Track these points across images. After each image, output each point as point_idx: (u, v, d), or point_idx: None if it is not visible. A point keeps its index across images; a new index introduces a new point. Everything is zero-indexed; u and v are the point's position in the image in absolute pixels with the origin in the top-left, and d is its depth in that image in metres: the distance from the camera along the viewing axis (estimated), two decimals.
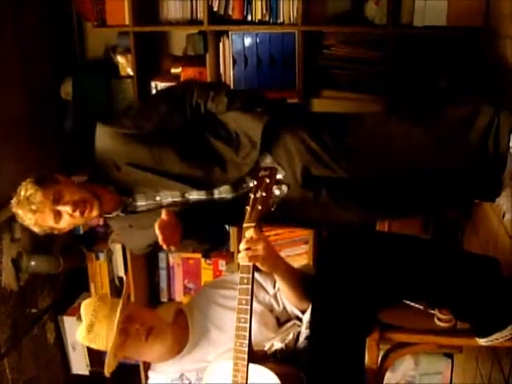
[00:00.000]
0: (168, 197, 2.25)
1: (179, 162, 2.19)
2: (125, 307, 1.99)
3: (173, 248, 2.13)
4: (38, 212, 2.07)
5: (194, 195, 2.24)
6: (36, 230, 2.16)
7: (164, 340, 2.04)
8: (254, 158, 2.17)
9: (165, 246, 2.08)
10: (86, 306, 2.01)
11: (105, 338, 1.94)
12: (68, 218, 2.12)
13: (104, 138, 2.23)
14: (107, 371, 1.98)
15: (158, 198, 2.26)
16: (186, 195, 2.25)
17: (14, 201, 2.11)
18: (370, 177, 2.19)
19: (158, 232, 2.03)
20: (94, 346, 2.00)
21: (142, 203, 2.28)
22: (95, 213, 2.17)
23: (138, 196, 2.26)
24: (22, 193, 2.07)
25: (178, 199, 2.25)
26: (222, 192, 2.23)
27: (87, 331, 1.96)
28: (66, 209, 2.09)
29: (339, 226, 2.27)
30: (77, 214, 2.11)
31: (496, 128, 2.12)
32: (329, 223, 2.30)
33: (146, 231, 2.24)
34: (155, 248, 2.37)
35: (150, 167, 2.19)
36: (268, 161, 2.20)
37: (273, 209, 1.86)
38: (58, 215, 2.10)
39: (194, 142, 2.23)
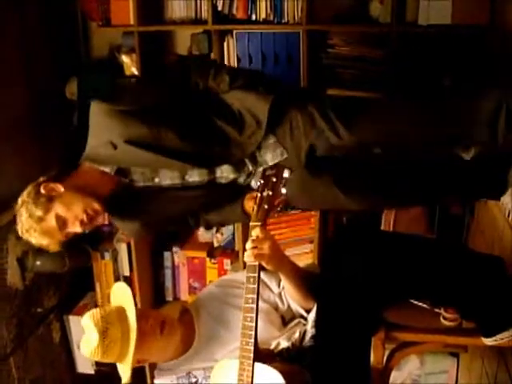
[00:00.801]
0: (167, 179, 2.16)
1: (179, 139, 2.09)
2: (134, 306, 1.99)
3: None
4: (52, 244, 2.07)
5: (195, 176, 2.16)
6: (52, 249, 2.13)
7: (175, 335, 2.06)
8: (260, 137, 2.11)
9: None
10: (90, 317, 1.95)
11: (119, 342, 1.91)
12: (80, 231, 2.08)
13: (99, 115, 2.12)
14: (127, 378, 1.97)
15: (156, 180, 2.17)
16: (186, 177, 2.16)
17: (20, 232, 2.08)
18: (373, 155, 2.17)
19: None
20: (106, 357, 1.93)
21: (140, 184, 2.18)
22: (101, 219, 2.15)
23: (135, 176, 2.16)
24: (26, 227, 2.04)
25: (177, 181, 2.17)
26: (224, 172, 2.15)
27: (101, 338, 1.90)
28: (75, 229, 2.07)
29: (339, 211, 2.25)
30: (87, 226, 2.08)
31: (507, 111, 2.03)
32: (329, 208, 2.28)
33: (145, 213, 2.21)
34: (153, 229, 2.36)
35: (148, 145, 2.07)
36: (271, 141, 2.14)
37: (279, 208, 1.85)
38: (68, 235, 2.08)
39: (195, 120, 2.14)
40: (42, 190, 2.02)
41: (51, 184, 2.04)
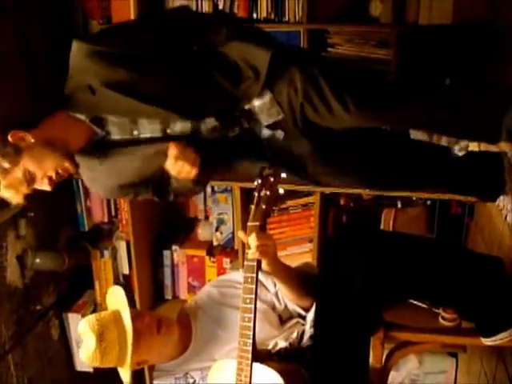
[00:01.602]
0: (147, 131, 2.02)
1: (165, 86, 1.95)
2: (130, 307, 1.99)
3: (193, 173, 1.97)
4: (17, 196, 1.93)
5: (177, 128, 2.02)
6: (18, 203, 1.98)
7: (173, 334, 2.05)
8: (257, 90, 2.00)
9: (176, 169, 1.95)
10: (86, 323, 1.94)
11: (117, 345, 1.91)
12: (48, 189, 1.95)
13: (78, 55, 1.95)
14: (128, 380, 1.97)
15: (135, 133, 2.02)
16: (168, 130, 2.03)
17: None
18: (371, 128, 2.15)
19: (170, 162, 1.93)
20: (105, 361, 1.92)
21: (116, 137, 2.04)
22: (72, 170, 1.98)
23: (112, 129, 2.02)
24: None
25: (157, 134, 2.03)
26: (209, 124, 2.03)
27: (98, 342, 1.89)
28: (43, 187, 1.93)
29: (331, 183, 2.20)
30: (55, 181, 1.95)
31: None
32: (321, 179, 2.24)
33: (118, 170, 2.08)
34: (131, 191, 2.18)
35: (129, 89, 1.92)
36: (267, 98, 2.04)
37: (277, 207, 1.85)
38: (35, 190, 1.95)
39: (185, 67, 2.00)
40: (10, 139, 1.88)
41: (20, 133, 1.90)
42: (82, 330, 1.94)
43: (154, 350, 2.03)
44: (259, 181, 1.87)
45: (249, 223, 1.86)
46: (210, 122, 2.04)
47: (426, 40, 3.01)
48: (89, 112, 1.98)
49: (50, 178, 1.92)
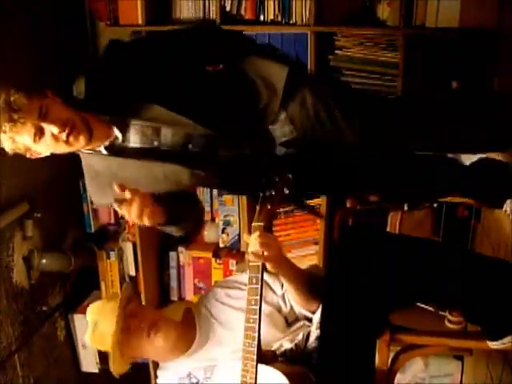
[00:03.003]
0: (168, 142, 1.97)
1: (196, 99, 1.95)
2: (124, 303, 2.00)
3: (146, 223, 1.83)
4: (18, 123, 1.76)
5: (197, 145, 1.98)
6: (7, 146, 1.84)
7: (167, 337, 2.04)
8: (276, 106, 1.99)
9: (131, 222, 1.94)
10: (91, 308, 2.04)
11: (109, 336, 1.94)
12: (49, 140, 1.83)
13: (116, 54, 2.04)
14: (115, 370, 1.98)
15: (155, 144, 1.98)
16: (190, 146, 1.98)
17: None
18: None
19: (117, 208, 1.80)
20: (101, 348, 2.03)
21: (134, 145, 1.98)
22: (82, 141, 1.87)
23: (132, 137, 1.97)
24: (3, 97, 1.75)
25: (176, 147, 1.98)
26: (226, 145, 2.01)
27: (92, 331, 1.98)
28: (51, 127, 1.80)
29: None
30: (62, 136, 1.82)
31: None
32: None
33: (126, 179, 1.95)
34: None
35: (163, 97, 1.91)
36: (282, 117, 2.03)
37: (283, 208, 1.85)
38: (39, 132, 1.81)
39: (207, 85, 2.01)
40: (45, 90, 1.87)
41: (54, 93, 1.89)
42: (88, 313, 2.05)
43: (144, 351, 2.06)
44: (265, 181, 1.87)
45: (253, 223, 1.86)
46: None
47: (432, 43, 3.01)
48: (112, 115, 1.95)
49: (61, 123, 1.82)
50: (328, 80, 2.69)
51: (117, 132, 1.96)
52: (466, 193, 2.46)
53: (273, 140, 2.07)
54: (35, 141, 1.81)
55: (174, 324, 2.10)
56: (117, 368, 1.99)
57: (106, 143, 1.97)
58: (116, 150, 1.98)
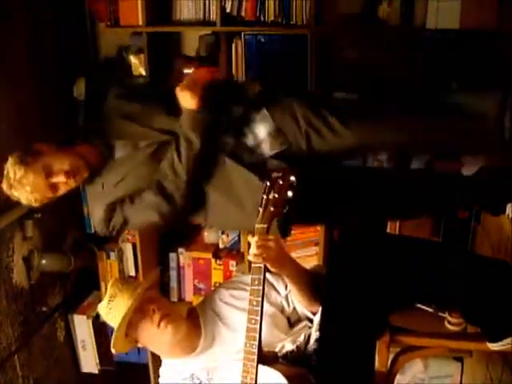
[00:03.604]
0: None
1: (166, 116, 2.21)
2: (147, 285, 2.06)
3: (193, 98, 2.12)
4: (34, 192, 2.13)
5: None
6: (36, 205, 2.22)
7: (176, 331, 2.04)
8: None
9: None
10: (115, 282, 2.07)
11: (121, 312, 1.96)
12: (63, 186, 2.18)
13: (110, 96, 2.33)
14: (114, 346, 2.00)
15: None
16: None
17: (5, 184, 2.14)
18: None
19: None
20: (110, 321, 2.02)
21: (119, 154, 2.27)
22: (85, 174, 2.20)
23: (117, 151, 2.27)
24: (11, 175, 2.11)
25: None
26: None
27: (107, 302, 2.00)
28: (60, 179, 2.14)
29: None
30: (71, 180, 2.16)
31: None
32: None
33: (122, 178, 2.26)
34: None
35: (138, 119, 2.23)
36: (272, 129, 2.21)
37: (285, 210, 1.85)
38: (53, 188, 2.16)
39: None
40: (36, 147, 2.17)
41: (43, 144, 2.19)
42: (109, 285, 2.07)
43: (151, 339, 2.06)
44: (268, 183, 1.87)
45: (256, 225, 1.86)
46: None
47: (433, 44, 3.01)
48: (102, 137, 2.26)
49: (66, 172, 2.13)
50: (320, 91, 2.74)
51: (103, 148, 2.25)
52: (470, 205, 2.47)
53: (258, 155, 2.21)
54: (54, 193, 2.19)
55: (185, 321, 2.11)
56: (117, 345, 2.00)
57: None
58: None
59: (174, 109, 2.18)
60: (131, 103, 2.27)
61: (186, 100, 2.12)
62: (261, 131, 2.23)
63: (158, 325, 2.00)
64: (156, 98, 2.31)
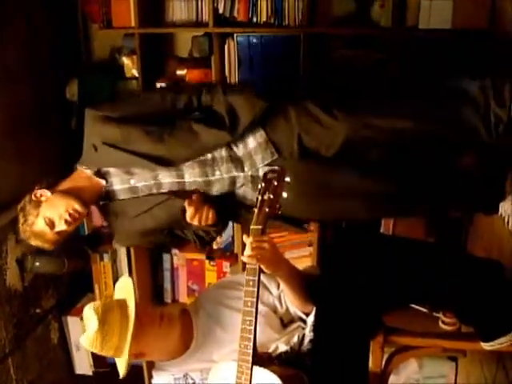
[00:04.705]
0: (141, 181, 2.28)
1: (146, 140, 2.22)
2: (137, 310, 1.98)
3: (208, 222, 2.20)
4: (47, 242, 2.28)
5: (166, 178, 2.26)
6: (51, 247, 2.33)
7: (175, 330, 2.06)
8: (225, 141, 2.20)
9: (195, 222, 2.19)
10: (90, 306, 1.96)
11: (119, 328, 1.91)
12: (68, 230, 2.25)
13: (87, 120, 2.32)
14: (123, 370, 1.95)
15: (132, 182, 2.29)
16: (159, 178, 2.27)
17: (21, 230, 2.28)
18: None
19: (187, 206, 2.18)
20: (105, 345, 1.92)
21: (118, 187, 2.31)
22: (84, 213, 2.26)
23: (114, 180, 2.30)
24: (23, 234, 2.28)
25: (150, 182, 2.27)
26: (192, 176, 2.25)
27: (100, 324, 1.89)
28: (62, 228, 2.22)
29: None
30: (72, 225, 2.24)
31: (494, 87, 2.12)
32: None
33: (130, 220, 2.35)
34: (151, 239, 2.49)
35: (120, 145, 2.24)
36: (261, 139, 2.22)
37: (279, 211, 1.85)
38: (60, 233, 2.25)
39: (167, 123, 2.27)
40: (33, 197, 2.24)
41: (40, 191, 2.24)
42: (86, 314, 1.95)
43: (154, 343, 2.03)
44: (263, 184, 1.87)
45: (251, 226, 1.87)
46: (191, 173, 2.25)
47: (425, 44, 3.01)
48: (94, 166, 2.29)
49: (65, 220, 2.20)
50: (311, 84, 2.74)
51: (99, 179, 2.30)
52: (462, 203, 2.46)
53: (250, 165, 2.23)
54: (61, 236, 2.28)
55: (177, 318, 2.11)
56: (124, 367, 1.95)
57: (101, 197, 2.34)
58: (109, 196, 2.34)
59: (152, 131, 2.23)
60: (112, 127, 2.26)
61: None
62: (250, 142, 2.22)
63: (160, 326, 2.01)
64: (138, 119, 2.29)
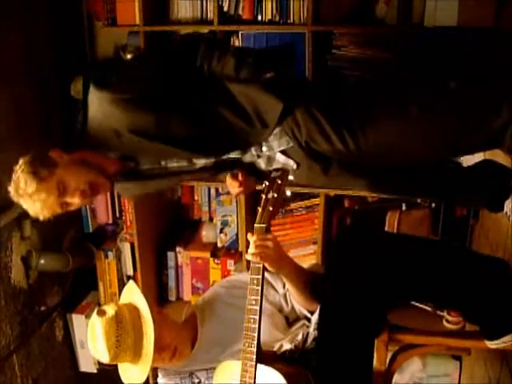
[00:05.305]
0: (173, 162, 2.12)
1: (186, 128, 2.02)
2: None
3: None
4: (44, 209, 1.97)
5: (202, 161, 2.12)
6: (42, 219, 2.03)
7: (182, 357, 2.07)
8: (263, 138, 2.05)
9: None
10: (105, 323, 1.91)
11: (148, 343, 1.91)
12: (78, 203, 2.02)
13: (101, 104, 2.01)
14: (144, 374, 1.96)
15: (162, 163, 2.12)
16: (194, 160, 2.12)
17: (13, 192, 1.98)
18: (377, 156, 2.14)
19: (229, 182, 2.14)
20: (122, 357, 1.92)
21: (145, 167, 2.13)
22: (105, 191, 2.15)
23: (142, 160, 2.12)
24: (22, 185, 1.93)
25: (184, 164, 2.12)
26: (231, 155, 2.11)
27: (115, 342, 1.89)
28: (74, 200, 1.99)
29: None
30: (86, 199, 2.04)
31: None
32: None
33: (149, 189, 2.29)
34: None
35: (155, 135, 2.01)
36: (276, 131, 2.04)
37: (283, 210, 1.85)
38: (65, 205, 2.01)
39: (201, 108, 2.04)
40: (52, 154, 2.00)
41: (60, 151, 2.02)
42: (93, 322, 1.93)
43: (176, 335, 2.06)
44: (267, 183, 1.88)
45: (256, 225, 1.87)
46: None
47: (431, 42, 3.00)
48: (117, 152, 2.09)
49: (82, 192, 1.98)
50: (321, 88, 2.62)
51: (127, 162, 2.11)
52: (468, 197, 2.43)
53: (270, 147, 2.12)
54: (66, 209, 2.02)
55: (187, 340, 2.12)
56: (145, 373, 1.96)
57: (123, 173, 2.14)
58: (131, 174, 2.15)
59: (191, 117, 2.03)
60: (141, 114, 2.01)
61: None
62: None
63: (170, 360, 2.04)
64: (167, 101, 2.03)
